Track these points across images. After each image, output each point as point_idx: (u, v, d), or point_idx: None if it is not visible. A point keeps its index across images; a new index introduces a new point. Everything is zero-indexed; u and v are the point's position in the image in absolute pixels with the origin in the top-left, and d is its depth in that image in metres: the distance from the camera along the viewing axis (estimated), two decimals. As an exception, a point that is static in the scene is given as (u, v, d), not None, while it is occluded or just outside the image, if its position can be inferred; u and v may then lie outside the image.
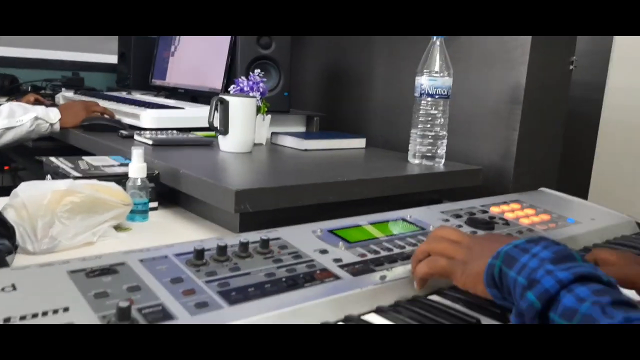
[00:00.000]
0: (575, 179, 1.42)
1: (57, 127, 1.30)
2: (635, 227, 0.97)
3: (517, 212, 0.92)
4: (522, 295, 0.47)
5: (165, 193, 0.95)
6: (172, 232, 0.83)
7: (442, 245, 0.61)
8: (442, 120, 1.10)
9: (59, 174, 0.90)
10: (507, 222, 0.87)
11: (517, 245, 0.52)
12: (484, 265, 0.54)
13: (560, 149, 1.29)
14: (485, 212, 0.91)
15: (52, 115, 1.29)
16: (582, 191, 1.43)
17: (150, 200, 0.89)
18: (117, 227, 0.81)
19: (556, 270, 0.46)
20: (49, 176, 0.95)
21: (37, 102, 1.52)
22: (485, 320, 0.57)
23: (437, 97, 1.09)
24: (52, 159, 0.98)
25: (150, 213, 0.89)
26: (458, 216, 0.86)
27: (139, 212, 0.85)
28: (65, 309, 0.47)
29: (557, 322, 0.44)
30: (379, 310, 0.58)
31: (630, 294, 0.59)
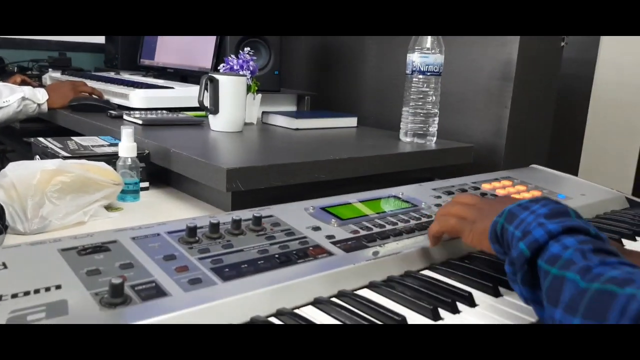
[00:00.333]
0: (565, 155, 1.43)
1: (44, 107, 1.28)
2: (624, 202, 0.98)
3: (508, 188, 0.93)
4: (515, 246, 0.50)
5: (156, 173, 0.94)
6: (163, 211, 0.83)
7: (456, 207, 0.65)
8: (434, 97, 1.10)
9: (47, 154, 0.89)
10: (498, 199, 0.87)
11: (520, 204, 0.54)
12: (490, 223, 0.56)
13: (551, 126, 1.30)
14: (476, 188, 0.91)
15: (39, 96, 1.27)
16: (572, 167, 1.44)
17: (141, 180, 0.88)
18: (109, 207, 0.80)
19: (547, 223, 0.49)
20: (37, 157, 0.94)
21: (23, 83, 1.49)
22: (476, 294, 0.57)
23: (428, 74, 1.08)
24: (41, 139, 0.96)
25: (142, 193, 0.88)
26: (450, 193, 0.87)
27: (130, 192, 0.85)
28: (58, 287, 0.46)
29: (542, 268, 0.47)
30: (371, 286, 0.58)
31: None
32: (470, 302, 0.55)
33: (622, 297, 0.40)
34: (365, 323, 0.48)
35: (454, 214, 0.64)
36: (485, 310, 0.54)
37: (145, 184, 0.91)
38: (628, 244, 0.77)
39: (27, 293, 0.45)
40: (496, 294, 0.58)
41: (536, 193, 0.93)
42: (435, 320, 0.52)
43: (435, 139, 1.12)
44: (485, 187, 0.92)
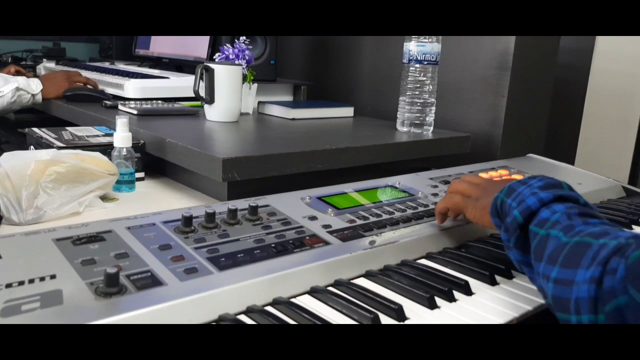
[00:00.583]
0: (562, 144, 1.43)
1: (39, 97, 1.27)
2: (621, 191, 0.98)
3: (505, 177, 0.93)
4: (510, 213, 0.54)
5: (152, 163, 0.94)
6: (159, 202, 0.82)
7: (462, 185, 0.69)
8: (431, 87, 1.10)
9: (42, 145, 0.88)
10: (495, 188, 0.87)
11: (520, 180, 0.58)
12: (492, 200, 0.59)
13: (548, 115, 1.30)
14: (473, 178, 0.91)
15: (33, 86, 1.26)
16: (569, 157, 1.44)
17: (137, 171, 0.88)
18: (104, 198, 0.80)
19: (540, 192, 0.53)
20: (32, 147, 0.93)
21: (18, 74, 1.48)
22: (473, 282, 0.57)
23: (425, 63, 1.08)
24: (35, 129, 0.96)
25: (137, 183, 0.88)
26: (446, 182, 0.87)
27: (125, 183, 0.84)
28: (52, 277, 0.46)
29: (532, 232, 0.51)
30: (368, 275, 0.58)
31: None
32: (467, 291, 0.55)
33: (595, 246, 0.44)
34: (362, 312, 0.48)
35: (459, 191, 0.68)
36: (482, 299, 0.54)
37: (141, 175, 0.91)
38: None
39: (21, 283, 0.45)
40: (493, 283, 0.58)
41: (533, 182, 0.92)
42: (432, 308, 0.52)
43: (432, 128, 1.12)
44: (482, 176, 0.92)
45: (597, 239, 0.45)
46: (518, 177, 0.92)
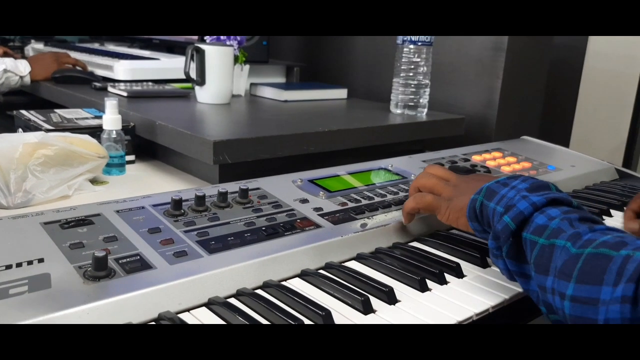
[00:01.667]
0: (557, 127, 1.43)
1: (27, 79, 1.25)
2: (614, 174, 0.98)
3: (498, 160, 0.92)
4: (499, 220, 0.50)
5: (143, 146, 0.92)
6: (150, 185, 0.82)
7: (431, 181, 0.63)
8: (425, 68, 1.09)
9: (30, 127, 0.87)
10: (488, 170, 0.87)
11: (499, 181, 0.54)
12: (467, 201, 0.56)
13: (543, 97, 1.29)
14: (467, 160, 0.91)
15: (21, 68, 1.24)
16: (564, 139, 1.44)
17: (127, 153, 0.87)
18: (94, 181, 0.79)
19: (530, 195, 0.50)
20: (20, 130, 0.92)
21: (5, 55, 1.45)
22: (464, 265, 0.57)
23: (419, 43, 1.06)
24: (23, 112, 0.94)
25: (128, 166, 0.87)
26: (439, 164, 0.86)
27: (115, 166, 0.83)
28: (40, 260, 0.46)
29: (528, 240, 0.47)
30: (359, 258, 0.58)
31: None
32: (458, 273, 0.55)
33: (617, 259, 0.39)
34: (352, 294, 0.48)
35: (429, 187, 0.63)
36: (473, 281, 0.54)
37: (131, 157, 0.90)
38: (616, 215, 0.77)
39: (9, 267, 0.44)
40: (484, 265, 0.58)
41: (526, 165, 0.92)
42: (423, 291, 0.52)
43: (426, 110, 1.11)
44: (476, 158, 0.92)
45: (616, 250, 0.40)
46: (505, 165, 0.92)
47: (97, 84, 1.18)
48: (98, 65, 1.31)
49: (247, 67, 1.26)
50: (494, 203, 0.52)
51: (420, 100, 1.10)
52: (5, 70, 1.21)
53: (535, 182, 0.52)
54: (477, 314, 0.48)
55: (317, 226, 0.59)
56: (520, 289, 0.53)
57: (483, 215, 0.53)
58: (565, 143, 1.40)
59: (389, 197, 0.70)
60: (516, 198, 0.50)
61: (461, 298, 0.51)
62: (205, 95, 1.08)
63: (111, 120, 0.82)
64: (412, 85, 1.09)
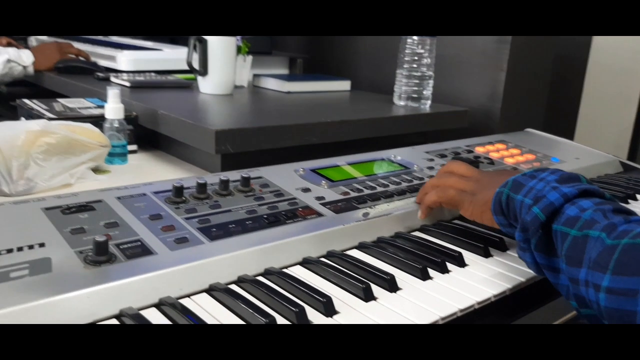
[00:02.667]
0: (562, 120, 1.42)
1: (30, 69, 1.25)
2: (618, 166, 0.98)
3: (502, 152, 0.92)
4: (527, 212, 0.48)
5: (145, 136, 0.92)
6: (152, 174, 0.82)
7: (452, 179, 0.63)
8: (429, 60, 1.08)
9: (33, 116, 0.87)
10: (491, 162, 0.87)
11: (526, 174, 0.53)
12: (492, 195, 0.54)
13: (548, 90, 1.28)
14: (470, 152, 0.91)
15: (24, 58, 1.24)
16: (568, 132, 1.43)
17: (129, 143, 0.87)
18: (96, 170, 0.79)
19: (561, 187, 0.48)
20: (23, 119, 0.92)
21: (8, 45, 1.45)
22: (466, 254, 0.57)
23: (423, 35, 1.06)
24: (26, 101, 0.94)
25: (130, 156, 0.87)
26: (443, 156, 0.86)
27: (117, 155, 0.83)
28: (41, 245, 0.46)
29: (559, 232, 0.45)
30: (361, 246, 0.58)
31: None
32: (460, 262, 0.55)
33: None
34: (354, 282, 0.48)
35: (451, 185, 0.62)
36: (475, 270, 0.54)
37: (134, 147, 0.90)
38: (620, 207, 0.77)
39: (10, 250, 0.44)
40: (486, 255, 0.58)
41: (530, 157, 0.92)
42: (424, 279, 0.51)
43: (429, 102, 1.11)
44: (479, 150, 0.92)
45: None
46: (509, 157, 0.92)
47: (100, 74, 1.18)
48: (101, 55, 1.31)
49: (250, 58, 1.26)
50: (522, 195, 0.50)
51: (424, 92, 1.09)
52: (8, 60, 1.21)
53: (564, 173, 0.51)
54: (478, 303, 0.48)
55: (319, 215, 0.59)
56: (523, 279, 0.53)
57: (509, 209, 0.52)
58: (570, 136, 1.39)
59: (392, 187, 0.70)
60: (546, 189, 0.48)
61: (463, 287, 0.50)
62: (207, 85, 1.08)
63: (113, 109, 0.82)
64: (416, 77, 1.08)
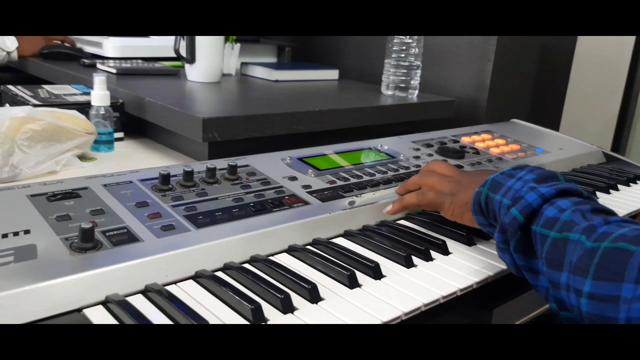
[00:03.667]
0: (547, 111, 1.43)
1: (14, 55, 1.23)
2: (601, 157, 0.99)
3: (487, 142, 0.93)
4: (506, 213, 0.48)
5: (132, 123, 0.92)
6: (138, 162, 0.81)
7: (433, 179, 0.63)
8: (417, 50, 1.08)
9: (17, 103, 0.86)
10: (477, 151, 0.88)
11: (504, 172, 0.52)
12: (472, 195, 0.54)
13: (534, 81, 1.29)
14: (456, 141, 0.91)
15: (8, 43, 1.22)
16: (554, 123, 1.45)
17: (116, 130, 0.86)
18: (82, 157, 0.79)
19: (539, 187, 0.47)
20: (7, 105, 0.91)
21: (-8, 30, 1.43)
22: (450, 243, 0.58)
23: (411, 35, 1.06)
24: (10, 87, 0.93)
25: (116, 143, 0.86)
26: (429, 145, 0.87)
27: (104, 142, 0.83)
28: (26, 232, 0.46)
29: (538, 233, 0.45)
30: (346, 234, 0.59)
31: None
32: (444, 251, 0.56)
33: (638, 254, 0.37)
34: (338, 269, 0.49)
35: (430, 185, 0.62)
36: (458, 258, 0.55)
37: (120, 135, 0.89)
38: (601, 196, 0.78)
39: (-6, 238, 0.44)
40: (470, 243, 0.59)
41: (515, 147, 0.93)
42: (409, 267, 0.52)
43: (417, 92, 1.11)
44: (465, 140, 0.92)
45: (636, 245, 0.38)
46: (494, 147, 0.93)
47: (86, 61, 1.17)
48: (87, 42, 1.30)
49: (237, 46, 1.25)
50: (500, 195, 0.50)
51: (411, 82, 1.10)
52: (-9, 46, 1.19)
53: (542, 172, 0.50)
54: (461, 290, 0.49)
55: (305, 203, 0.60)
56: (504, 267, 0.53)
57: (489, 209, 0.52)
58: (556, 127, 1.41)
59: (378, 176, 0.71)
60: (524, 190, 0.48)
61: (446, 274, 0.51)
62: (195, 73, 1.08)
63: (99, 96, 0.82)
64: (404, 67, 1.08)
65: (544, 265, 0.44)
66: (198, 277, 0.47)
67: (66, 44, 1.30)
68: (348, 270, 0.48)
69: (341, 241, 0.57)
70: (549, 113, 1.40)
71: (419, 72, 1.10)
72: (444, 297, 0.48)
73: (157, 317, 0.41)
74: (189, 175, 0.58)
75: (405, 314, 0.44)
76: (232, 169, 0.62)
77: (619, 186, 0.83)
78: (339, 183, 0.66)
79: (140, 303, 0.42)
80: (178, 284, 0.46)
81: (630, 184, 0.85)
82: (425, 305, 0.46)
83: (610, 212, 0.46)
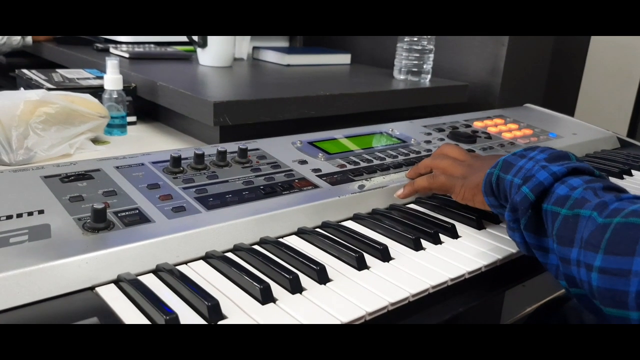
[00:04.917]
0: (562, 96, 1.41)
1: (29, 40, 1.24)
2: (616, 142, 0.98)
3: (500, 126, 0.92)
4: (517, 192, 0.48)
5: (144, 107, 0.93)
6: (151, 145, 0.82)
7: (445, 162, 0.63)
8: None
9: (32, 86, 0.87)
10: (489, 136, 0.87)
11: (515, 153, 0.52)
12: (483, 177, 0.54)
13: (549, 66, 1.27)
14: (468, 126, 0.91)
15: (23, 28, 1.23)
16: (569, 109, 1.43)
17: (128, 114, 0.87)
18: (95, 141, 0.80)
19: (550, 165, 0.47)
20: (22, 89, 0.92)
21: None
22: (460, 226, 0.58)
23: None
24: (25, 71, 0.94)
25: (129, 127, 0.87)
26: (441, 130, 0.86)
27: (117, 126, 0.83)
28: (40, 212, 0.46)
29: (549, 211, 0.45)
30: (356, 218, 0.59)
31: None
32: (453, 234, 0.56)
33: None
34: (347, 251, 0.49)
35: (442, 169, 0.62)
36: (467, 242, 0.55)
37: (133, 119, 0.90)
38: (615, 182, 0.77)
39: (9, 217, 0.45)
40: (479, 227, 0.58)
41: (528, 131, 0.92)
42: (417, 250, 0.52)
43: (429, 76, 1.10)
44: (477, 124, 0.92)
45: None
46: (507, 131, 0.92)
47: (99, 45, 1.17)
48: (100, 26, 1.30)
49: (249, 30, 1.25)
50: (511, 175, 0.50)
51: (424, 66, 1.09)
52: (6, 30, 1.20)
53: (554, 152, 0.50)
54: (469, 272, 0.49)
55: (315, 186, 0.60)
56: (513, 250, 0.53)
57: (500, 189, 0.52)
58: (571, 112, 1.39)
59: (388, 160, 0.71)
60: (535, 168, 0.48)
61: (454, 257, 0.51)
62: (207, 57, 1.08)
63: (112, 80, 0.82)
64: (416, 51, 1.07)
65: (554, 242, 0.44)
66: (208, 258, 0.47)
67: (80, 29, 1.31)
68: (357, 253, 0.48)
69: (350, 224, 0.58)
70: (564, 98, 1.38)
71: (431, 56, 1.09)
72: (452, 280, 0.48)
73: (168, 296, 0.41)
74: (199, 158, 0.59)
75: (413, 296, 0.44)
76: (243, 152, 0.62)
77: (633, 171, 0.82)
78: (349, 167, 0.66)
79: (152, 282, 0.43)
80: (189, 264, 0.47)
81: (645, 169, 0.84)
82: (433, 287, 0.46)
83: (622, 190, 0.46)
